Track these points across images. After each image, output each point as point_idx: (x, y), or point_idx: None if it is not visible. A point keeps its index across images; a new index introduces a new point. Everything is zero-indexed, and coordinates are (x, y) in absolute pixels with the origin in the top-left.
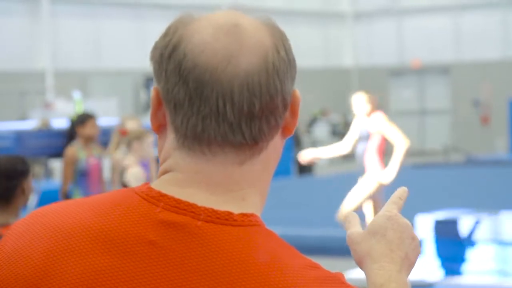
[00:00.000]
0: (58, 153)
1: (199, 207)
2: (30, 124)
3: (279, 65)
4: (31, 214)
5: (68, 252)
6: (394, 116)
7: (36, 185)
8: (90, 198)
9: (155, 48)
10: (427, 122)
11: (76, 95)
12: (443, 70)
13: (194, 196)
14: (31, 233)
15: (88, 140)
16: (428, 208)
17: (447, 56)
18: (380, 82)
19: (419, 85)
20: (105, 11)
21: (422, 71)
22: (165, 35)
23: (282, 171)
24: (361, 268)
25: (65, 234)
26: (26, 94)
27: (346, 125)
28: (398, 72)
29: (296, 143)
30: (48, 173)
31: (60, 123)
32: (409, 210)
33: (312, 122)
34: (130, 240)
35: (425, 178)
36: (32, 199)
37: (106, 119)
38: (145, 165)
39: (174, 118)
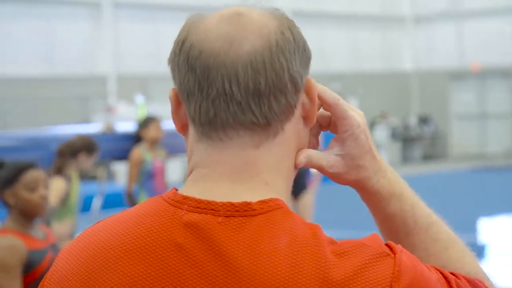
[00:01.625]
0: (122, 156)
1: (218, 203)
2: (93, 128)
3: (284, 44)
4: (74, 239)
5: (105, 267)
6: (455, 119)
7: (100, 188)
8: (124, 213)
9: (171, 51)
10: (488, 125)
11: (139, 99)
12: (504, 73)
13: (218, 190)
14: (73, 256)
15: (153, 143)
16: (490, 212)
17: (508, 59)
18: (440, 86)
19: (479, 89)
20: (166, 15)
21: (483, 74)
22: (177, 35)
23: None
24: (360, 188)
25: (101, 251)
26: (88, 99)
27: (406, 129)
28: (459, 76)
29: None
30: (111, 176)
31: (124, 126)
32: (471, 213)
33: (372, 125)
34: (159, 246)
35: (486, 182)
36: (97, 203)
37: (169, 123)
38: None
39: (189, 108)
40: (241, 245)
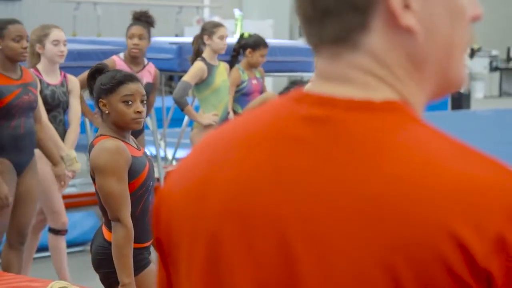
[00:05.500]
0: None
1: (339, 99)
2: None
3: None
4: (204, 138)
5: (224, 161)
6: None
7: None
8: (247, 113)
9: None
10: None
11: (237, 13)
12: None
13: (336, 92)
14: (199, 152)
15: (252, 66)
16: None
17: None
18: None
19: None
20: None
21: None
22: None
23: (437, 105)
24: None
25: (221, 146)
26: (182, 10)
27: (508, 60)
28: None
29: None
30: None
31: None
32: None
33: (470, 55)
34: (277, 137)
35: None
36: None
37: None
38: None
39: None
40: (358, 138)
